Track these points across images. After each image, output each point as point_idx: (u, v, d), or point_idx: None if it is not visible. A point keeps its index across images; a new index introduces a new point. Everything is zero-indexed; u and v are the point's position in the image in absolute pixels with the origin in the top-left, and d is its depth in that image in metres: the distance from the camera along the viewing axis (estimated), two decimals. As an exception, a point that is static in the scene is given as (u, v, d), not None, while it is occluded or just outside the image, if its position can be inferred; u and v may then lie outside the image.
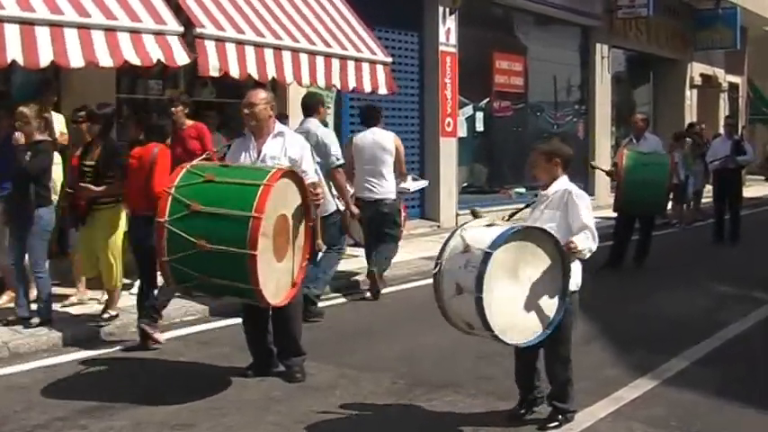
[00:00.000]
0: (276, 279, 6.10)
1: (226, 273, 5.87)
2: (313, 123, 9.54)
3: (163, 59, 9.12)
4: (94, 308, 8.93)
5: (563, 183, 5.69)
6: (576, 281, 5.61)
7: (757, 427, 6.00)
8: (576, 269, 5.62)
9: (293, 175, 6.33)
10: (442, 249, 5.43)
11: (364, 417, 6.00)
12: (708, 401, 6.36)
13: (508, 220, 5.76)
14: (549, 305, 5.36)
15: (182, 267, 5.90)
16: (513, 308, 5.23)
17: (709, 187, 21.03)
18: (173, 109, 9.77)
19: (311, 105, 9.79)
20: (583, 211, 5.55)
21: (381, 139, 10.47)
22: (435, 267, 5.40)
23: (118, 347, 7.88)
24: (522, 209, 6.05)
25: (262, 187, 5.86)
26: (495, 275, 5.08)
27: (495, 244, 5.08)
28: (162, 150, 8.05)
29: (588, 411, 5.96)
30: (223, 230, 5.82)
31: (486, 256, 5.03)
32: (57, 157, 10.28)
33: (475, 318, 5.09)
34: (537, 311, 5.33)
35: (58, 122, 10.36)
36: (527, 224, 5.47)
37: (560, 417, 5.65)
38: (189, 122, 9.87)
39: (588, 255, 5.50)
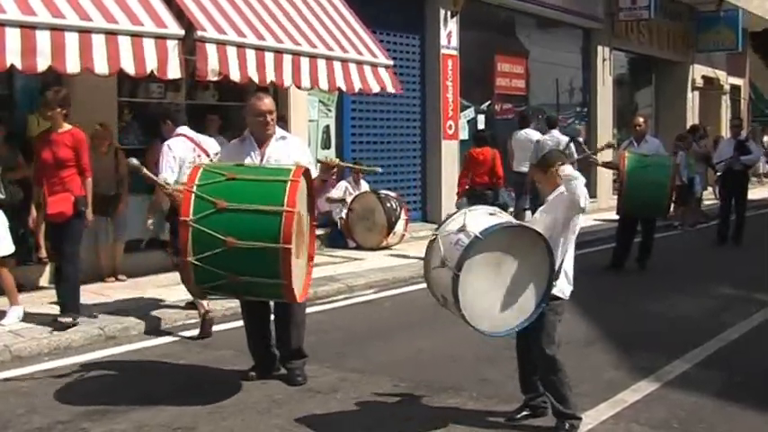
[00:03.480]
0: (297, 275, 6.05)
1: (255, 269, 5.78)
2: (557, 133, 14.96)
3: (156, 71, 9.14)
4: (95, 311, 8.93)
5: (568, 171, 5.71)
6: (563, 289, 5.61)
7: (759, 430, 5.98)
8: (566, 278, 5.64)
9: (308, 174, 6.31)
10: (442, 223, 5.53)
11: (366, 420, 5.97)
12: (710, 404, 6.34)
13: (515, 216, 5.80)
14: (525, 306, 5.39)
15: (207, 267, 5.77)
16: (488, 297, 5.30)
17: (710, 189, 21.12)
18: (48, 112, 8.49)
19: (554, 121, 15.78)
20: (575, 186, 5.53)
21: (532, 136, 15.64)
22: (432, 237, 5.49)
23: (120, 350, 7.88)
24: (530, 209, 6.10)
25: (289, 183, 5.86)
26: (478, 261, 5.18)
27: (487, 231, 5.18)
28: (495, 151, 14.25)
29: (589, 414, 5.92)
30: (253, 226, 5.75)
31: (475, 240, 5.14)
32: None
33: (449, 293, 5.20)
34: (511, 308, 5.37)
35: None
36: (524, 223, 5.50)
37: (566, 424, 5.59)
38: (66, 126, 8.54)
39: (582, 202, 5.44)
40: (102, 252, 10.79)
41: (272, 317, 6.85)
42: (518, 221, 5.47)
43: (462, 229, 5.26)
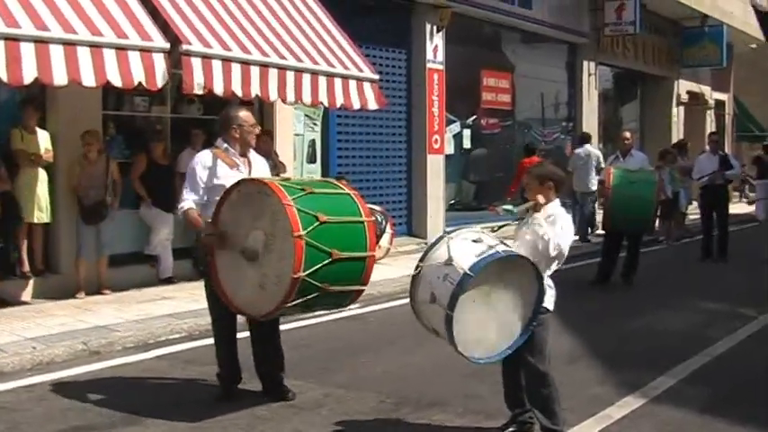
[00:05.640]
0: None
1: (346, 278, 5.98)
2: (589, 147, 18.19)
3: (144, 83, 9.11)
4: (78, 326, 8.86)
5: (554, 207, 5.65)
6: (549, 300, 5.59)
7: (745, 446, 5.98)
8: (551, 291, 5.61)
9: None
10: (426, 253, 5.46)
11: (351, 436, 5.96)
12: (696, 420, 6.32)
13: (496, 231, 5.72)
14: (515, 326, 5.38)
15: (310, 280, 5.73)
16: (481, 326, 5.27)
17: (695, 203, 21.13)
18: None
19: (588, 138, 18.82)
20: (557, 229, 5.49)
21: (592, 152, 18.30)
22: (415, 270, 5.43)
23: (104, 366, 7.81)
24: (512, 223, 6.01)
25: (354, 195, 6.20)
26: (470, 297, 5.13)
27: (477, 268, 5.11)
28: (541, 159, 14.94)
29: (575, 430, 5.90)
30: (348, 238, 5.95)
31: (466, 277, 5.07)
32: (42, 174, 10.29)
33: (442, 329, 5.17)
34: (504, 331, 5.36)
35: (44, 139, 10.33)
36: (510, 250, 5.40)
37: (551, 439, 5.58)
38: None
39: (552, 252, 5.43)
40: (83, 265, 10.68)
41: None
42: (504, 248, 5.39)
43: (449, 263, 5.20)
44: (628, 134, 13.87)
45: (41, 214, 10.31)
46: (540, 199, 5.57)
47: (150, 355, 8.19)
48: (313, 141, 14.75)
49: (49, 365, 7.77)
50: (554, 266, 5.57)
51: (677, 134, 26.49)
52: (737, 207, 24.49)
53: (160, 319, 9.31)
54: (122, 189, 11.14)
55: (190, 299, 10.33)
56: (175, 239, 11.66)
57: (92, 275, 10.74)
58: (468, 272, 5.07)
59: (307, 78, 11.06)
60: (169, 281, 11.54)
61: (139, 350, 8.39)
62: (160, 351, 8.37)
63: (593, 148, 18.64)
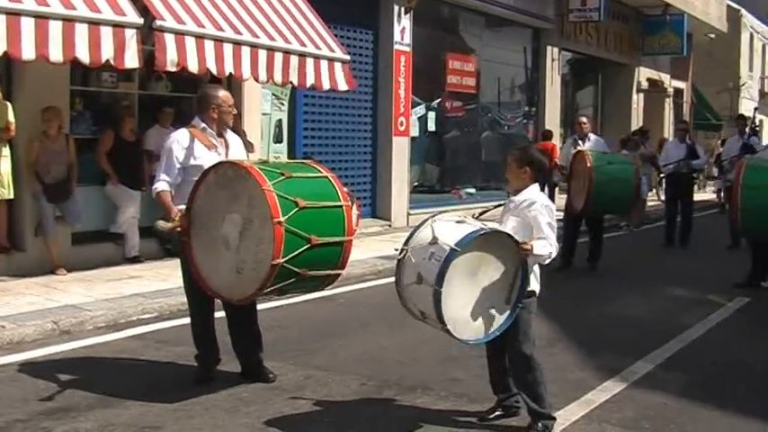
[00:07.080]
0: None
1: (324, 263, 5.91)
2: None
3: (112, 60, 8.94)
4: (47, 305, 8.69)
5: (532, 192, 5.62)
6: (535, 282, 5.58)
7: (730, 429, 5.99)
8: (537, 272, 5.60)
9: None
10: (410, 237, 5.39)
11: (336, 418, 5.87)
12: (676, 404, 6.36)
13: (478, 217, 5.68)
14: (502, 307, 5.35)
15: (289, 267, 5.66)
16: (468, 305, 5.23)
17: (653, 191, 21.36)
18: None
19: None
20: (543, 225, 5.46)
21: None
22: (400, 253, 5.36)
23: (75, 346, 7.67)
24: (492, 208, 5.98)
25: (332, 178, 6.10)
26: (457, 272, 5.08)
27: (463, 243, 5.07)
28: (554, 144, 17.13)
29: (560, 414, 5.87)
30: (327, 223, 5.89)
31: (452, 252, 5.03)
32: (5, 150, 10.09)
33: (430, 309, 5.11)
34: (490, 312, 5.33)
35: (7, 111, 10.07)
36: (495, 227, 5.39)
37: (540, 424, 5.54)
38: None
39: (547, 260, 5.46)
40: (51, 243, 10.48)
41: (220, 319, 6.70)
42: (489, 226, 5.37)
43: (434, 242, 5.16)
44: (584, 119, 13.98)
45: (3, 190, 10.10)
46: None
47: (122, 335, 8.06)
48: (280, 121, 14.63)
49: (19, 345, 7.61)
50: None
51: (636, 121, 26.72)
52: (696, 194, 24.77)
53: (130, 298, 9.17)
54: (87, 166, 10.96)
55: (158, 278, 10.21)
56: (142, 218, 11.49)
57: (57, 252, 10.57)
58: (455, 247, 5.03)
59: (278, 57, 10.94)
60: (136, 260, 11.38)
61: (111, 330, 8.25)
62: (132, 331, 8.24)
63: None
